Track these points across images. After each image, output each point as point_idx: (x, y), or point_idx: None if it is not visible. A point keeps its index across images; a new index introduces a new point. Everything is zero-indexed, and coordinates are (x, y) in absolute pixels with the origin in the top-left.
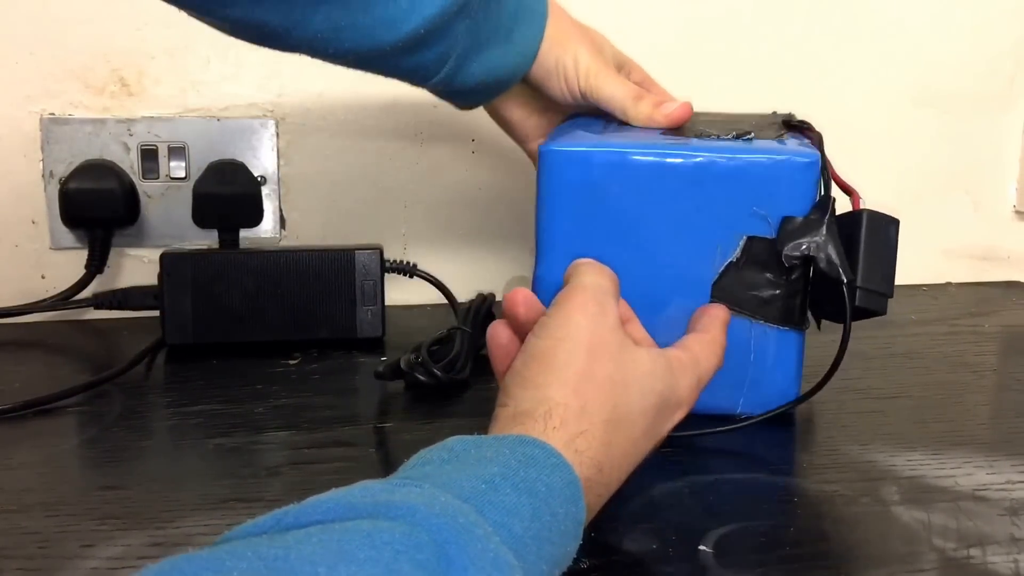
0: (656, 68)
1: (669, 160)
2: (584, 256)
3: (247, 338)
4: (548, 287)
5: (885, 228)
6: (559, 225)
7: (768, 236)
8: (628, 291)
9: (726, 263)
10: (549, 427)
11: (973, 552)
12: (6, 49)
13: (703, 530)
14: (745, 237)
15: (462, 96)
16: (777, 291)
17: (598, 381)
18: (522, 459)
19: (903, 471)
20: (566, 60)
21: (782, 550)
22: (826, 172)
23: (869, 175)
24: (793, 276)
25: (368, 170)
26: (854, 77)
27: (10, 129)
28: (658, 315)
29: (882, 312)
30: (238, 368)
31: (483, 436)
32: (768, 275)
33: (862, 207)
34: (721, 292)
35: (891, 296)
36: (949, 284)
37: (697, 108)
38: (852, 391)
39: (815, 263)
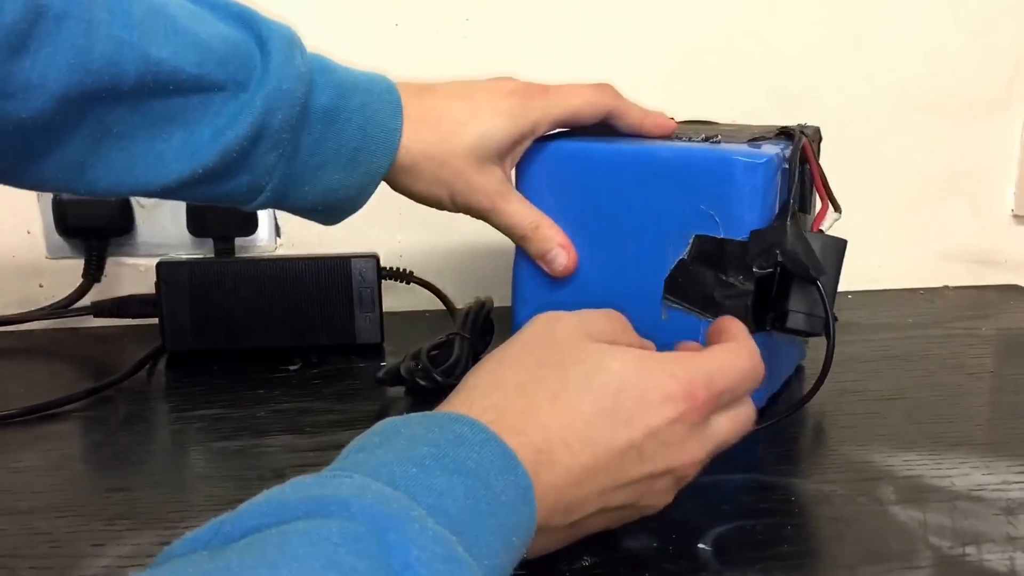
0: (660, 79)
1: (620, 157)
2: None
3: (246, 345)
4: (525, 273)
5: (829, 251)
6: None
7: (716, 236)
8: (597, 283)
9: (678, 260)
10: (453, 408)
11: (969, 550)
12: None
13: (702, 528)
14: (694, 236)
15: (306, 215)
16: (726, 291)
17: (521, 362)
18: (451, 438)
19: (900, 471)
20: (443, 175)
21: (780, 548)
22: (802, 178)
23: (867, 179)
24: (742, 278)
25: None
26: (852, 81)
27: None
28: (624, 306)
29: (817, 334)
30: (239, 373)
31: (414, 415)
32: (717, 275)
33: (821, 227)
34: (673, 288)
35: (829, 318)
36: (946, 287)
37: (702, 118)
38: (849, 393)
39: (783, 267)
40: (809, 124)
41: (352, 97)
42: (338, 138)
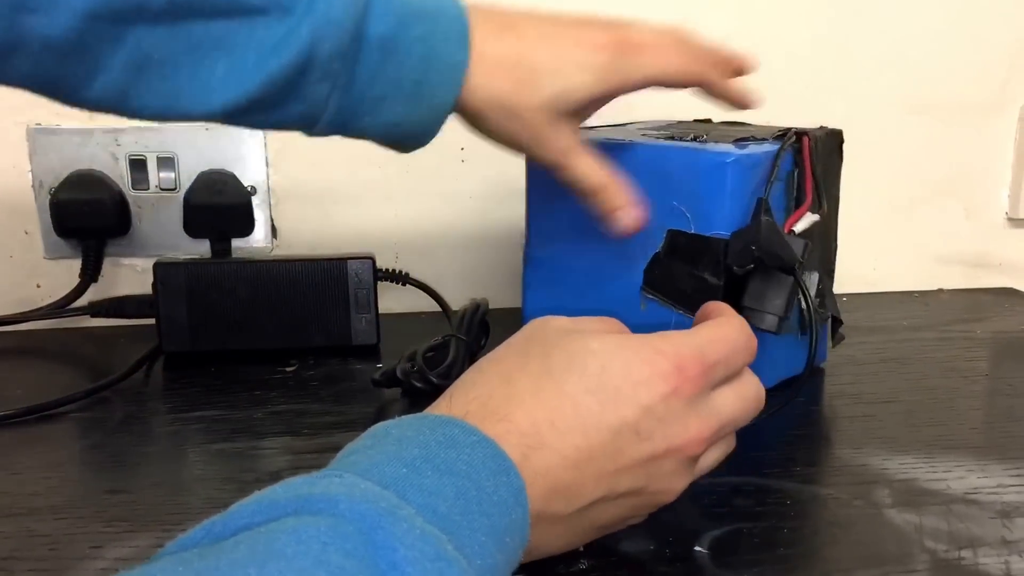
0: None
1: (608, 153)
2: (558, 235)
3: (243, 346)
4: (535, 262)
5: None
6: (535, 206)
7: (687, 231)
8: (595, 274)
9: (653, 254)
10: (440, 408)
11: (964, 553)
12: None
13: (698, 531)
14: (668, 230)
15: (380, 142)
16: (696, 284)
17: (505, 359)
18: (442, 440)
19: (895, 474)
20: (508, 123)
21: (776, 551)
22: (800, 179)
23: (862, 181)
24: (709, 273)
25: (358, 179)
26: (847, 84)
27: None
28: (608, 289)
29: (772, 331)
30: (236, 375)
31: (405, 417)
32: (688, 268)
33: (794, 228)
34: (650, 279)
35: (781, 316)
36: (941, 290)
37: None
38: (845, 396)
39: (761, 263)
40: (830, 127)
41: (414, 26)
42: (398, 70)
